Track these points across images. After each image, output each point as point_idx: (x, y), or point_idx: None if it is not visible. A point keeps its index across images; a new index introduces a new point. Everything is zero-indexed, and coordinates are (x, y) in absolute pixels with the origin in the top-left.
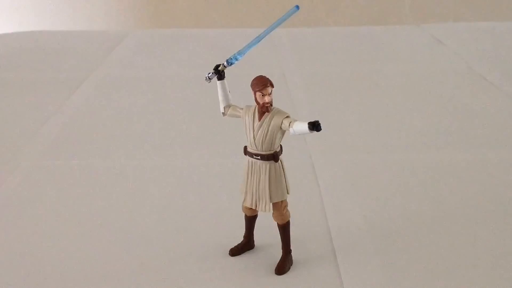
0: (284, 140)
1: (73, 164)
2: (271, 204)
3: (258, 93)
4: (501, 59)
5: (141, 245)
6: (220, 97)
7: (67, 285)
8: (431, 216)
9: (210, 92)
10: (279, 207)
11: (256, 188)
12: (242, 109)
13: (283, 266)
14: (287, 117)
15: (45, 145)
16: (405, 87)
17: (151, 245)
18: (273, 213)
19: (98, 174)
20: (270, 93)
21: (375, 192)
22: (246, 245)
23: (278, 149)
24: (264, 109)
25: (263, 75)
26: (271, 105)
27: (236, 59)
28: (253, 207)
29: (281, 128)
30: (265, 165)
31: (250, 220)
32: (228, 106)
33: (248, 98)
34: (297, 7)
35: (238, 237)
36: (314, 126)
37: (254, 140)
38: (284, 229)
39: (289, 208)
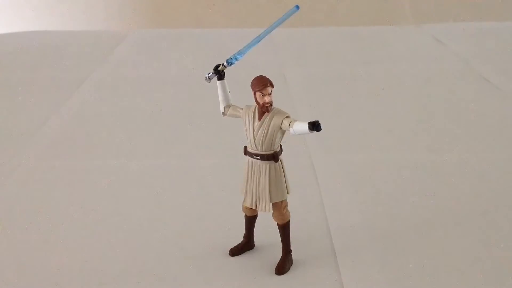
0: (284, 140)
1: (72, 164)
2: (271, 204)
3: (258, 93)
4: (501, 59)
5: (141, 245)
6: (220, 97)
7: (67, 285)
8: (431, 216)
9: (210, 92)
10: (279, 207)
11: (256, 188)
12: (242, 109)
13: (283, 266)
14: (287, 117)
15: (45, 145)
16: (405, 87)
17: (151, 245)
18: (273, 213)
19: (98, 174)
20: (270, 93)
21: (375, 192)
22: (246, 245)
23: (278, 149)
24: (264, 109)
25: (263, 75)
26: (271, 105)
27: (236, 59)
28: (253, 207)
29: (281, 128)
30: (265, 165)
31: (250, 220)
32: (228, 106)
33: (248, 98)
34: (297, 7)
35: (238, 237)
36: (314, 126)
37: (254, 140)
38: (284, 229)
39: (289, 208)
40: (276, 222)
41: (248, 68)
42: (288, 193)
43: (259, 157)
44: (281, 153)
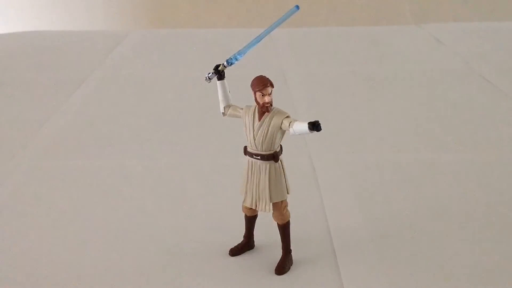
0: (284, 140)
1: (73, 164)
2: (271, 204)
3: (258, 93)
4: (500, 59)
5: (141, 245)
6: (220, 97)
7: (67, 285)
8: (431, 216)
9: (210, 92)
10: (279, 207)
11: (256, 188)
12: (242, 109)
13: (283, 266)
14: (287, 117)
15: (45, 145)
16: (405, 87)
17: (151, 245)
18: (273, 213)
19: (98, 174)
20: (270, 93)
21: (375, 192)
22: (246, 245)
23: (278, 149)
24: (264, 109)
25: (263, 75)
26: (271, 105)
27: (236, 59)
28: (253, 207)
29: (281, 128)
30: (265, 165)
31: (250, 220)
32: (228, 106)
33: (248, 98)
34: (297, 7)
35: (238, 237)
36: (314, 126)
37: (254, 140)
38: (284, 229)
39: (289, 208)
40: (276, 222)
41: (248, 68)
42: (288, 193)
43: (259, 157)
44: (281, 153)
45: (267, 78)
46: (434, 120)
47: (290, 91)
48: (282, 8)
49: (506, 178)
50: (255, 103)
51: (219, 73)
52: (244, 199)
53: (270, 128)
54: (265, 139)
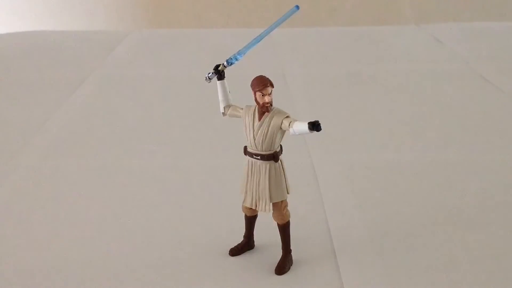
0: (284, 140)
1: (73, 164)
2: (271, 204)
3: (258, 93)
4: (501, 59)
5: (141, 245)
6: (220, 97)
7: (66, 285)
8: (431, 216)
9: (210, 92)
10: (279, 207)
11: (256, 188)
12: (242, 109)
13: (283, 266)
14: (287, 117)
15: (45, 145)
16: (405, 87)
17: (151, 245)
18: (273, 213)
19: (98, 174)
20: (270, 93)
21: (375, 192)
22: (246, 245)
23: (278, 149)
24: (264, 109)
25: (263, 75)
26: (271, 105)
27: (236, 59)
28: (253, 207)
29: (281, 128)
30: (265, 165)
31: (250, 220)
32: (228, 106)
33: (248, 98)
34: (297, 7)
35: (238, 237)
36: (314, 126)
37: (254, 140)
38: (284, 229)
39: (289, 208)
40: (276, 222)
41: (248, 68)
42: (288, 193)
43: (259, 157)
44: (281, 153)
45: (267, 78)
46: (434, 120)
47: (290, 91)
48: (282, 8)
49: (506, 178)
50: (255, 103)
51: (219, 73)
52: (244, 199)
53: (270, 128)
54: (265, 139)
